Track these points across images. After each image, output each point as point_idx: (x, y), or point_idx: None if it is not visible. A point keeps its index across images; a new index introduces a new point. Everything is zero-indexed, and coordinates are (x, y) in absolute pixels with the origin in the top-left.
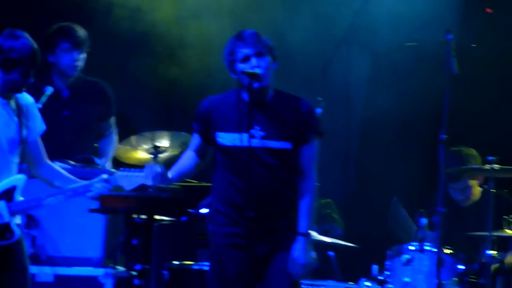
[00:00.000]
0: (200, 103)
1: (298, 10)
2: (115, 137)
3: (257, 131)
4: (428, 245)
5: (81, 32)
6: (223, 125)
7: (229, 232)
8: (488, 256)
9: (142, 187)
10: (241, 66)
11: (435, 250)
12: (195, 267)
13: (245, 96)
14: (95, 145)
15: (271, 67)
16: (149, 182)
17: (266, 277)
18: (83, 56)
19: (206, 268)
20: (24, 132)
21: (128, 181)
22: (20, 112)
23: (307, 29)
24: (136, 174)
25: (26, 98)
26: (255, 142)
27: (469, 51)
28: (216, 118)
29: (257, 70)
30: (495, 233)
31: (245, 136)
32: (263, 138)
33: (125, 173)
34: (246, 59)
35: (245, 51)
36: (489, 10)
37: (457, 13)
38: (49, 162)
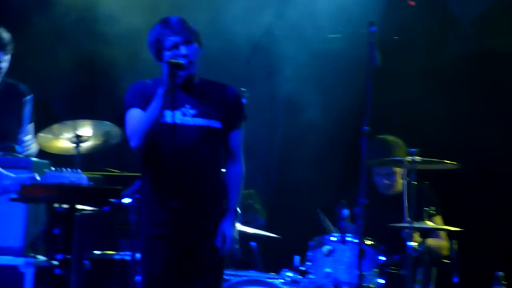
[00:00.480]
0: (132, 85)
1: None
2: (31, 148)
3: (188, 110)
4: (349, 236)
5: (5, 34)
6: None
7: (155, 222)
8: (409, 248)
9: None
10: (168, 54)
11: (357, 241)
12: (117, 257)
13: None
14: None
15: (198, 54)
16: (83, 182)
17: (194, 272)
18: (7, 57)
19: (127, 258)
20: None
21: (60, 180)
22: None
23: (235, 20)
24: (68, 174)
25: None
26: (187, 120)
27: (392, 43)
28: (151, 97)
29: (181, 60)
30: (416, 225)
31: (177, 113)
32: (194, 116)
33: (57, 173)
34: (174, 47)
35: (174, 39)
36: (411, 3)
37: (381, 6)
38: None
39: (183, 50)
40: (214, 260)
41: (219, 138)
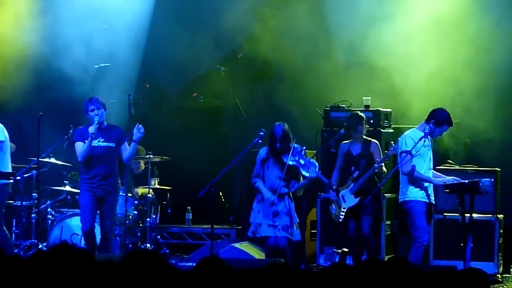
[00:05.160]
0: (76, 129)
1: None
2: None
3: (100, 138)
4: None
5: None
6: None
7: (88, 183)
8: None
9: None
10: (90, 113)
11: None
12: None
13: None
14: None
15: (104, 113)
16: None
17: (102, 205)
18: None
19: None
20: None
21: None
22: None
23: None
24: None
25: None
26: (100, 143)
27: (141, 106)
28: (85, 134)
29: (96, 118)
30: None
31: (96, 140)
32: (103, 142)
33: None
34: (92, 110)
35: (91, 106)
36: (147, 85)
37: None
38: None
39: (95, 112)
40: (111, 201)
41: (114, 151)
